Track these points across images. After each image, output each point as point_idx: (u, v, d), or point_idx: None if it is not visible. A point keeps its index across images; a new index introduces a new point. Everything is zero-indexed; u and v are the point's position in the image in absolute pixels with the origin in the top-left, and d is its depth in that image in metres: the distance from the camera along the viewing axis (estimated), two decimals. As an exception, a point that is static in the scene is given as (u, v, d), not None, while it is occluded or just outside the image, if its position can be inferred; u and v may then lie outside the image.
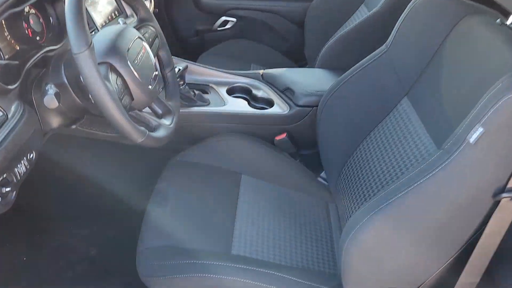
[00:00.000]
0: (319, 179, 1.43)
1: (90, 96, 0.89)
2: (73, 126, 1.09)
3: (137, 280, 1.06)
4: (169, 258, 1.03)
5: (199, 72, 1.53)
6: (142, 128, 0.92)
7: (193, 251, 1.07)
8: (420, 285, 0.96)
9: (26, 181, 0.99)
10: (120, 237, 1.46)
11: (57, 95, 0.90)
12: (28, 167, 0.90)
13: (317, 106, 1.36)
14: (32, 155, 0.91)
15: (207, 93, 1.49)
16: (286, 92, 1.45)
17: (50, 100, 0.89)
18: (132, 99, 0.95)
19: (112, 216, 1.53)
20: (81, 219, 1.51)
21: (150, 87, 0.98)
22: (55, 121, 0.99)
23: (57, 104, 0.90)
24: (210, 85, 1.53)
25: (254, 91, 1.50)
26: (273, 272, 1.02)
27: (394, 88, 1.19)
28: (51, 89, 0.90)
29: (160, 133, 1.01)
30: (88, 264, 1.37)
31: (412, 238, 0.87)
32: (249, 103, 1.46)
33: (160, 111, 1.10)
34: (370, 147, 1.20)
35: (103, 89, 0.80)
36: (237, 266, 1.01)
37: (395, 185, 0.91)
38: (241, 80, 1.54)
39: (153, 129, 1.01)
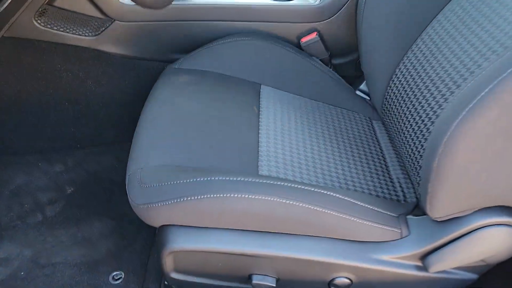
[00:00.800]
0: (358, 92, 1.12)
1: None
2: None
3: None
4: (174, 177, 0.71)
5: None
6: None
7: (204, 169, 0.76)
8: None
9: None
10: (104, 171, 1.14)
11: None
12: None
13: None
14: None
15: (209, -14, 1.15)
16: (314, -21, 1.12)
17: None
18: None
19: (93, 146, 1.20)
20: (53, 151, 1.18)
21: None
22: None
23: None
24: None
25: (271, -15, 1.16)
26: (323, 192, 0.72)
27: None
28: None
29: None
30: (62, 205, 1.05)
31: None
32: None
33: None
34: (440, 32, 0.88)
35: None
36: (275, 183, 0.71)
37: (502, 59, 0.60)
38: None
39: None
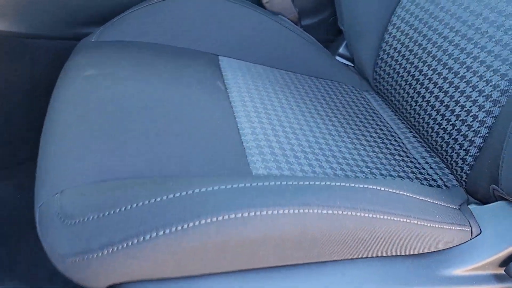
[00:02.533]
0: (338, 58, 0.89)
1: None
2: None
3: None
4: (126, 198, 0.41)
5: None
6: None
7: (170, 177, 0.46)
8: None
9: None
10: None
11: None
12: None
13: None
14: None
15: None
16: None
17: None
18: None
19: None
20: None
21: None
22: None
23: None
24: None
25: None
26: (363, 186, 0.46)
27: None
28: None
29: None
30: None
31: None
32: None
33: None
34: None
35: None
36: (300, 184, 0.43)
37: None
38: None
39: None
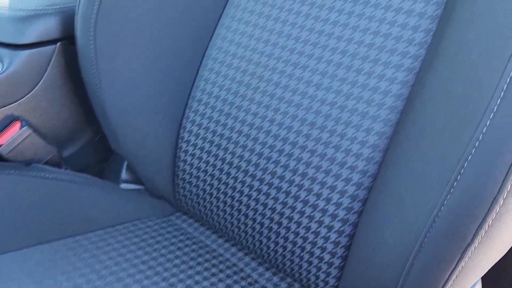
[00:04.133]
0: (125, 185, 0.71)
1: None
2: None
3: None
4: None
5: None
6: None
7: None
8: None
9: None
10: None
11: None
12: None
13: (63, 39, 0.61)
14: None
15: None
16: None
17: None
18: None
19: None
20: None
21: None
22: None
23: None
24: None
25: None
26: None
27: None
28: None
29: None
30: None
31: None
32: None
33: None
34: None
35: None
36: None
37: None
38: None
39: None
